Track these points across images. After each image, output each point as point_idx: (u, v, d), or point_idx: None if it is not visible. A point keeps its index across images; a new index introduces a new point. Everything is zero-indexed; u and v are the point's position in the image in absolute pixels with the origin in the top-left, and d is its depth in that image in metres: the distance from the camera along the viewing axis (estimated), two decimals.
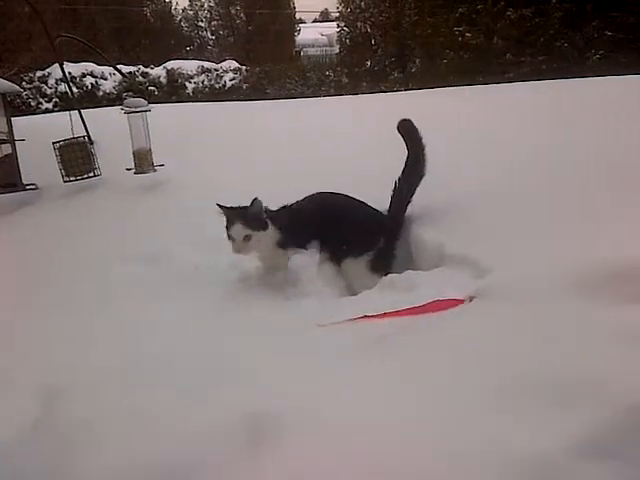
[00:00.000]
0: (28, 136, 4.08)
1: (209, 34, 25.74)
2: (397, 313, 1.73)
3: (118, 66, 7.51)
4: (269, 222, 2.28)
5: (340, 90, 11.27)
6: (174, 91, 12.60)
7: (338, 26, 17.52)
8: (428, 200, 2.52)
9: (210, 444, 1.19)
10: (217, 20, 25.26)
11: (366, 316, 1.73)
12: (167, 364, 1.60)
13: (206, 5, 25.23)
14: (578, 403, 1.08)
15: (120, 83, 11.85)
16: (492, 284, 1.73)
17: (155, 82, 12.62)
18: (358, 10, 15.42)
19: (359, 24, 15.30)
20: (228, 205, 2.27)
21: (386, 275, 2.25)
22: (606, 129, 2.98)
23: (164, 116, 4.35)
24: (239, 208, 2.28)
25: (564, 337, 1.30)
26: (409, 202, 2.45)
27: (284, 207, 2.38)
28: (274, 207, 2.36)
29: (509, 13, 10.65)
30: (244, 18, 24.16)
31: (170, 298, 2.22)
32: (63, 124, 3.91)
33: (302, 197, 2.42)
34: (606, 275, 1.47)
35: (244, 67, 13.55)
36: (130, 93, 3.85)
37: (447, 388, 1.23)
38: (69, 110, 4.15)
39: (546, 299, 1.48)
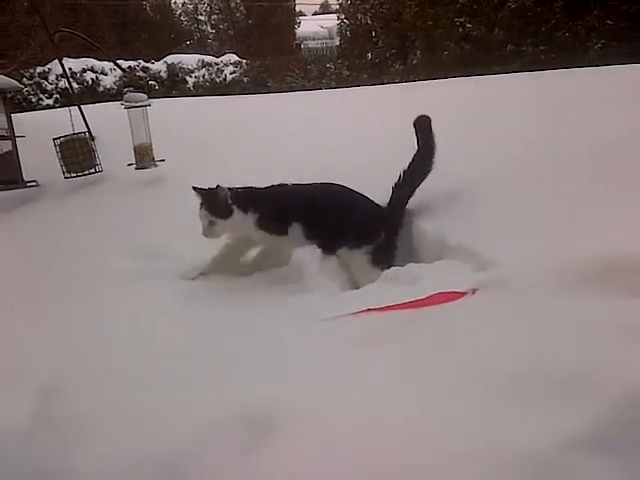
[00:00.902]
0: (29, 132, 4.07)
1: (209, 28, 25.64)
2: (400, 306, 1.72)
3: (118, 61, 7.48)
4: (235, 208, 2.28)
5: (341, 82, 11.23)
6: (175, 85, 12.58)
7: (338, 18, 17.43)
8: (429, 190, 2.51)
9: (208, 443, 1.18)
10: (217, 14, 25.15)
11: (369, 309, 1.73)
12: (165, 361, 1.59)
13: None
14: (578, 398, 1.07)
15: (121, 78, 11.82)
16: (494, 276, 1.73)
17: (155, 77, 12.59)
18: (358, 2, 15.33)
19: (359, 16, 15.21)
20: (204, 187, 2.30)
21: (388, 268, 2.25)
22: (607, 119, 2.96)
23: (165, 111, 4.32)
24: (206, 190, 2.30)
25: (566, 331, 1.29)
26: (410, 196, 2.45)
27: (269, 187, 2.38)
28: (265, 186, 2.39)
29: (510, 4, 10.58)
30: (244, 11, 24.05)
31: (170, 293, 2.22)
32: (64, 120, 3.91)
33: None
34: (607, 268, 1.46)
35: (244, 61, 13.51)
36: (130, 88, 3.84)
37: (449, 383, 1.22)
38: (69, 106, 4.15)
39: (549, 292, 1.47)
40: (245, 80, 12.90)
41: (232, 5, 24.40)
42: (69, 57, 9.49)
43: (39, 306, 2.19)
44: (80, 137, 3.97)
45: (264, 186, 2.40)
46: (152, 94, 3.90)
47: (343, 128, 4.01)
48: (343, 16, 16.82)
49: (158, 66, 12.87)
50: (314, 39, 23.68)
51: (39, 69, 11.72)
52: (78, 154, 3.93)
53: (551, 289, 1.48)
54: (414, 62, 12.29)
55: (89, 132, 4.05)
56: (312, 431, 1.16)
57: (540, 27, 10.20)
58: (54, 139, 3.90)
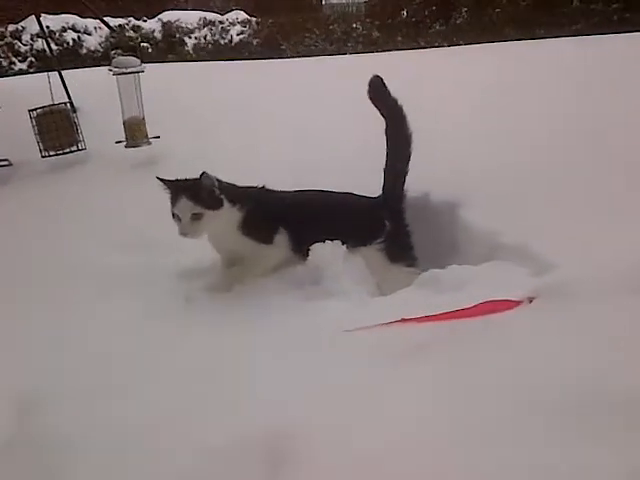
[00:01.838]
0: None
1: None
2: (440, 316, 1.72)
3: (105, 18, 7.53)
4: (224, 199, 2.28)
5: (370, 46, 11.18)
6: (171, 48, 12.60)
7: None
8: (475, 180, 2.51)
9: (220, 469, 1.20)
10: None
11: (403, 319, 1.73)
12: (164, 376, 1.61)
13: None
14: None
15: (107, 39, 11.88)
16: (556, 283, 1.72)
17: (148, 37, 12.63)
18: None
19: None
20: (172, 178, 2.29)
21: (411, 265, 2.36)
22: None
23: (160, 78, 4.35)
24: (185, 181, 2.30)
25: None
26: (405, 175, 2.50)
27: (255, 187, 2.41)
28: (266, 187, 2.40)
29: None
30: None
31: (164, 295, 2.25)
32: (40, 88, 3.95)
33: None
34: None
35: (254, 19, 13.49)
36: (119, 51, 3.89)
37: (498, 406, 1.22)
38: (47, 71, 4.18)
39: (620, 303, 1.47)
40: (255, 42, 12.90)
41: None
42: (47, 13, 9.57)
43: (8, 311, 2.21)
44: (60, 109, 4.01)
45: (248, 185, 2.42)
46: (144, 58, 3.91)
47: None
48: None
49: (151, 25, 12.90)
50: None
51: (11, 27, 11.82)
52: (58, 129, 3.97)
53: (622, 299, 1.47)
54: (458, 22, 12.20)
55: (70, 103, 4.09)
56: (333, 458, 1.17)
57: None
58: (30, 111, 3.94)
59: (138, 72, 3.69)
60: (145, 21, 12.96)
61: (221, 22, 13.23)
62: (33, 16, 4.68)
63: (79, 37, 12.16)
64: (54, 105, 3.98)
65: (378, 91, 2.51)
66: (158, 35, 12.78)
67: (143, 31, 12.69)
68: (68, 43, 11.98)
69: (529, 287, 1.73)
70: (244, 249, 2.35)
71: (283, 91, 4.79)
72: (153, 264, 2.47)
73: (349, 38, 12.66)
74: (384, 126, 2.47)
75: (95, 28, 12.05)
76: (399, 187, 2.51)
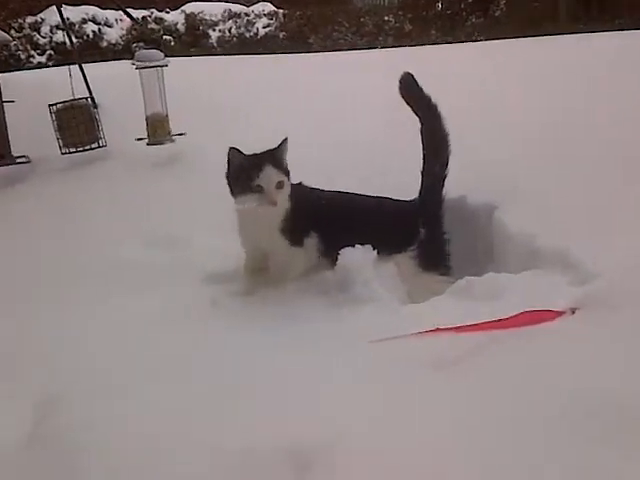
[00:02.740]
0: (18, 96, 4.18)
1: None
2: (476, 327, 1.71)
3: (127, 9, 7.60)
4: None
5: (402, 40, 11.17)
6: (194, 41, 12.70)
7: None
8: (513, 180, 2.50)
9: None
10: None
11: (437, 329, 1.73)
12: (184, 380, 1.62)
13: None
14: None
15: (129, 31, 12.01)
16: (600, 293, 1.71)
17: (171, 30, 12.74)
18: None
19: None
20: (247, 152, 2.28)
21: (445, 274, 2.34)
22: None
23: (183, 73, 4.38)
24: (265, 152, 2.30)
25: None
26: (444, 178, 2.48)
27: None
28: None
29: None
30: None
31: (188, 297, 2.27)
32: (60, 82, 4.00)
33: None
34: None
35: (281, 11, 13.53)
36: (141, 44, 3.92)
37: (537, 423, 1.21)
38: (68, 65, 4.23)
39: None
40: (281, 35, 12.96)
41: None
42: (67, 4, 9.69)
43: (32, 310, 2.24)
44: (81, 104, 4.06)
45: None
46: (167, 51, 3.94)
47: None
48: None
49: (174, 17, 13.00)
50: None
51: (30, 19, 11.97)
52: (78, 125, 4.02)
53: None
54: (497, 14, 12.14)
55: (92, 98, 4.13)
56: (358, 472, 1.17)
57: None
58: (50, 105, 4.00)
59: (162, 66, 3.73)
60: (168, 13, 13.05)
61: (247, 14, 13.28)
62: (52, 7, 4.73)
63: (99, 29, 12.29)
64: (75, 100, 4.03)
65: (410, 88, 2.50)
66: (181, 28, 12.87)
67: (165, 23, 12.79)
68: (88, 35, 12.12)
69: (571, 297, 1.72)
70: (274, 248, 2.34)
71: (310, 87, 4.80)
72: (177, 265, 2.49)
73: (380, 31, 12.66)
74: (418, 125, 2.46)
75: (116, 20, 12.18)
76: (437, 191, 2.49)
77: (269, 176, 2.23)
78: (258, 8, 13.46)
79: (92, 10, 12.16)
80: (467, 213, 2.69)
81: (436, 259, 2.43)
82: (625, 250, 1.92)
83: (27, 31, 12.02)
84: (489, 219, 2.57)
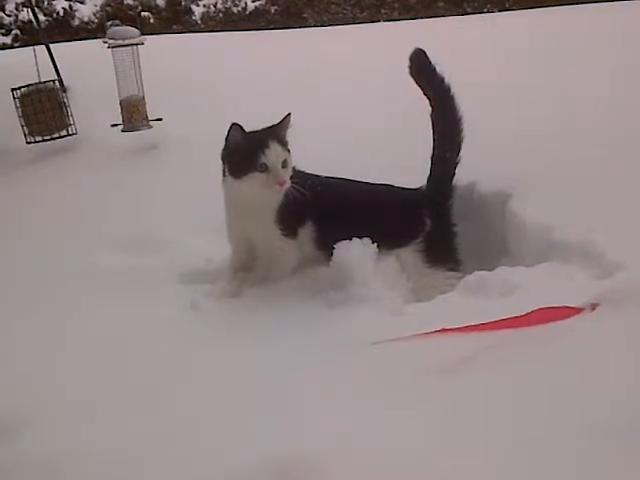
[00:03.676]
0: None
1: None
2: (487, 326, 1.71)
3: None
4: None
5: (407, 12, 11.14)
6: (176, 18, 12.67)
7: None
8: (528, 165, 2.50)
9: None
10: None
11: (444, 330, 1.73)
12: (167, 393, 1.62)
13: None
14: None
15: (102, 8, 11.98)
16: (623, 287, 1.70)
17: (150, 5, 12.71)
18: None
19: None
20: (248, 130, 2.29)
21: (453, 270, 2.36)
22: None
23: (162, 52, 4.38)
24: (269, 127, 2.33)
25: None
26: (456, 165, 2.49)
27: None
28: None
29: None
30: None
31: (166, 301, 2.26)
32: (26, 64, 3.99)
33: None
34: None
35: None
36: (116, 21, 3.90)
37: (553, 429, 1.21)
38: (34, 45, 4.22)
39: None
40: (273, 10, 12.92)
41: None
42: None
43: None
44: (48, 87, 4.05)
45: None
46: (145, 29, 3.94)
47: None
48: None
49: None
50: None
51: None
52: (45, 110, 4.01)
53: None
54: None
55: (60, 81, 4.13)
56: None
57: None
58: (13, 90, 3.98)
59: (137, 44, 3.72)
60: None
61: None
62: None
63: (70, 6, 12.26)
64: (41, 83, 4.02)
65: (421, 67, 2.49)
66: (161, 2, 12.84)
67: None
68: (58, 13, 12.09)
69: (591, 292, 1.72)
70: (265, 240, 2.35)
71: (305, 66, 4.79)
72: (155, 266, 2.49)
73: (383, 3, 12.61)
74: (429, 108, 2.45)
75: None
76: (447, 180, 2.49)
77: (275, 153, 2.23)
78: None
79: None
80: (478, 201, 2.69)
81: (443, 253, 2.43)
82: None
83: None
84: (502, 208, 2.57)
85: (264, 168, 2.21)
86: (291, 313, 2.14)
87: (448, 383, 1.45)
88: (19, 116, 4.01)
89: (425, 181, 2.48)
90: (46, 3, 12.00)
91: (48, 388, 1.74)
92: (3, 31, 11.93)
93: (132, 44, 3.71)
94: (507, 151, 2.81)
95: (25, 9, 11.11)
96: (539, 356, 1.48)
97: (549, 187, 2.48)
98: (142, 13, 12.05)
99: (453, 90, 2.44)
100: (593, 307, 1.65)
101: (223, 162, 2.30)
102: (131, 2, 12.44)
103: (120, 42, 3.69)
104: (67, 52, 4.67)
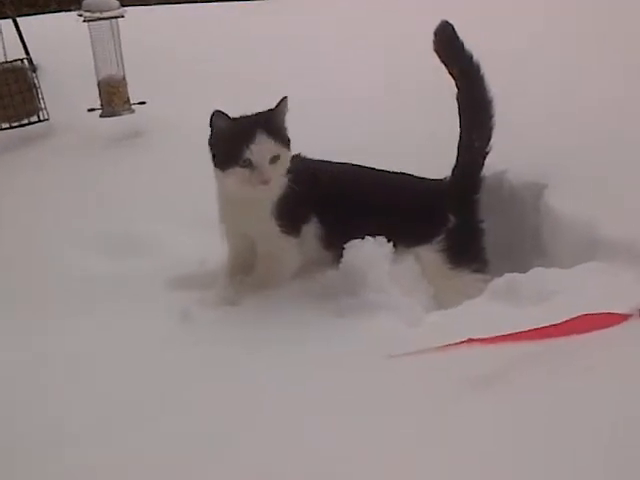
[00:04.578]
0: None
1: None
2: (520, 336, 1.71)
3: None
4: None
5: None
6: None
7: None
8: (566, 153, 2.49)
9: None
10: None
11: (470, 340, 1.73)
12: (152, 416, 1.62)
13: None
14: None
15: None
16: None
17: None
18: None
19: None
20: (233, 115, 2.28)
21: (479, 271, 2.37)
22: None
23: (145, 26, 4.37)
24: (258, 114, 2.30)
25: None
26: (486, 155, 2.49)
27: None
28: None
29: None
30: None
31: (152, 311, 2.26)
32: None
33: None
34: None
35: None
36: None
37: (595, 453, 1.20)
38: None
39: None
40: None
41: None
42: None
43: None
44: (15, 67, 4.03)
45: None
46: (126, 0, 3.92)
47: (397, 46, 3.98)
48: None
49: None
50: None
51: None
52: (12, 93, 4.00)
53: None
54: None
55: (29, 60, 4.11)
56: None
57: None
58: None
59: (117, 17, 3.71)
60: None
61: None
62: None
63: None
64: (7, 63, 4.01)
65: (448, 43, 2.48)
66: None
67: None
68: None
69: (638, 297, 1.72)
70: (263, 237, 2.36)
71: (302, 37, 4.77)
72: (138, 269, 2.49)
73: None
74: (455, 90, 2.45)
75: None
76: (476, 171, 2.49)
77: (261, 147, 2.21)
78: None
79: None
80: (508, 193, 2.70)
81: (469, 252, 2.44)
82: None
83: None
84: (536, 201, 2.57)
85: (247, 164, 2.19)
86: (295, 323, 2.14)
87: (475, 403, 1.45)
88: None
89: (450, 172, 2.48)
90: None
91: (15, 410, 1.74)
92: None
93: (111, 17, 3.70)
94: (540, 134, 2.80)
95: None
96: (580, 370, 1.48)
97: (589, 176, 2.47)
98: None
99: (483, 71, 2.44)
100: None
101: (210, 150, 2.29)
102: None
103: (97, 15, 3.68)
104: (37, 27, 4.65)
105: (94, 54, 3.75)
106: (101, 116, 3.79)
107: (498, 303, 2.06)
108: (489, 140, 2.46)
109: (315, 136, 2.62)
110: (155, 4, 8.14)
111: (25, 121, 4.02)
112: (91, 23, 3.70)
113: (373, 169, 2.47)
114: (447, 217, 2.43)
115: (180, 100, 3.84)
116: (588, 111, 2.90)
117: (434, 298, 2.31)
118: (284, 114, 2.29)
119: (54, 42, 4.30)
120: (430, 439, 1.36)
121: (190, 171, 2.53)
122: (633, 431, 1.24)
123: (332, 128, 3.22)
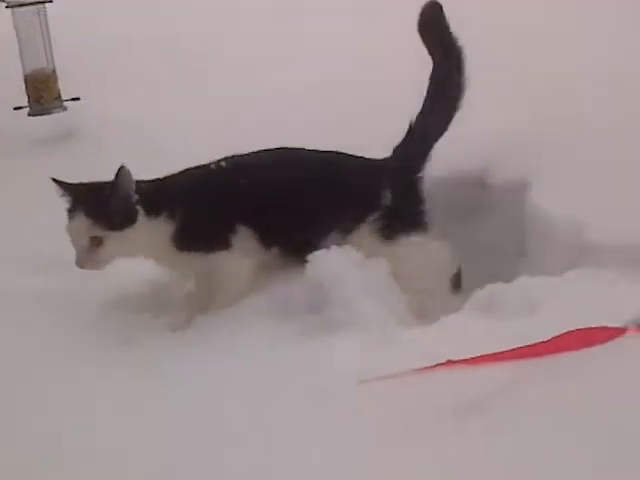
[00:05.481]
0: None
1: None
2: (504, 355, 1.72)
3: None
4: (141, 210, 2.29)
5: None
6: None
7: None
8: (551, 148, 2.52)
9: None
10: None
11: (449, 362, 1.73)
12: (93, 452, 1.60)
13: None
14: None
15: None
16: None
17: None
18: None
19: None
20: (72, 182, 2.30)
21: (423, 231, 2.43)
22: None
23: (76, 13, 4.36)
24: (87, 185, 2.31)
25: None
26: (440, 134, 2.52)
27: (183, 172, 2.42)
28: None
29: None
30: None
31: (87, 335, 2.26)
32: None
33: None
34: None
35: None
36: None
37: None
38: None
39: None
40: None
41: None
42: None
43: None
44: None
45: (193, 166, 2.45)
46: None
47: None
48: None
49: None
50: None
51: None
52: None
53: None
54: None
55: None
56: None
57: None
58: None
59: (44, 2, 3.70)
60: None
61: None
62: None
63: None
64: None
65: (432, 23, 2.54)
66: None
67: None
68: None
69: (636, 307, 1.73)
70: (192, 266, 2.38)
71: (257, 19, 4.78)
72: (71, 290, 2.47)
73: None
74: (429, 69, 2.49)
75: None
76: (423, 149, 2.52)
77: (76, 228, 2.23)
78: None
79: None
80: (490, 193, 2.71)
81: (408, 219, 2.48)
82: None
83: None
84: (520, 201, 2.58)
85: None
86: (253, 343, 2.13)
87: (455, 433, 1.46)
88: None
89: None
90: None
91: None
92: None
93: (37, 2, 3.69)
94: (526, 131, 2.82)
95: None
96: (572, 392, 1.49)
97: (579, 174, 2.48)
98: None
99: (464, 54, 2.49)
100: (639, 326, 1.66)
101: None
102: None
103: (22, 1, 3.68)
104: None
105: (19, 45, 3.73)
106: (29, 115, 3.78)
107: (480, 317, 2.07)
108: (446, 127, 2.50)
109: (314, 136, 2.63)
110: None
111: None
112: (15, 9, 3.69)
113: (298, 149, 2.51)
114: (379, 194, 2.47)
115: (118, 96, 3.84)
116: (576, 108, 2.92)
117: (408, 312, 2.31)
118: (122, 188, 2.25)
119: None
120: (406, 474, 1.36)
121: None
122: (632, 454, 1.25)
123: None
